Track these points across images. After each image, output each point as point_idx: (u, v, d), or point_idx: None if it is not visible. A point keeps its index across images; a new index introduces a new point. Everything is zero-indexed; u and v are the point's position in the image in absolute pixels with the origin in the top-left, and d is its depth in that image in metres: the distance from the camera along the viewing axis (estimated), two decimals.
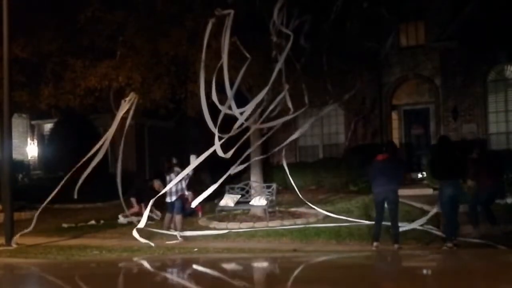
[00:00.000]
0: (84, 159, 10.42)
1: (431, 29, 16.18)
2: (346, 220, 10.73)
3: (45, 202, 10.35)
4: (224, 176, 9.32)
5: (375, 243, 8.39)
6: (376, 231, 8.51)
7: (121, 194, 11.22)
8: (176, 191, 10.42)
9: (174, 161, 10.68)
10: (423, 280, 1.81)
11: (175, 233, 10.22)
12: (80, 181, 10.18)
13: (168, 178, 10.46)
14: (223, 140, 8.97)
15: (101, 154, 10.39)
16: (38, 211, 10.64)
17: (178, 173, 10.16)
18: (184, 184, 10.61)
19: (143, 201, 12.06)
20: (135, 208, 12.89)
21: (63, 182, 10.14)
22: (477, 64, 15.05)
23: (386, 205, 8.54)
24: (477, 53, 14.74)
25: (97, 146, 10.52)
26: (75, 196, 10.36)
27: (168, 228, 10.56)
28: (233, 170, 9.54)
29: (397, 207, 8.58)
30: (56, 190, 10.16)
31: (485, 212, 9.29)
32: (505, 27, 13.57)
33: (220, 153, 8.93)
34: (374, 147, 12.46)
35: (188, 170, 9.66)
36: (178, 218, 10.43)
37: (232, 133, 9.11)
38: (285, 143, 10.54)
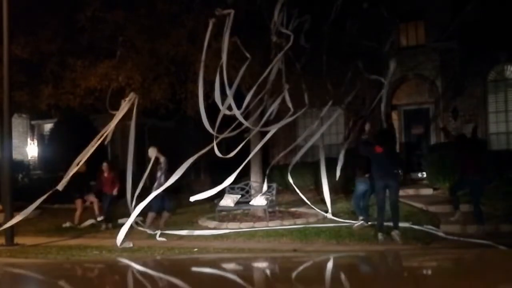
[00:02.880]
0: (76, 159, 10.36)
1: (431, 29, 16.17)
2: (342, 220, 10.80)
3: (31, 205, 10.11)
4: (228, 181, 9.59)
5: (380, 234, 8.48)
6: (381, 220, 8.60)
7: (129, 194, 11.05)
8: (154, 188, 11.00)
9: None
10: (423, 280, 1.81)
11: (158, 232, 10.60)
12: (68, 177, 10.13)
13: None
14: (218, 140, 9.02)
15: (86, 154, 10.29)
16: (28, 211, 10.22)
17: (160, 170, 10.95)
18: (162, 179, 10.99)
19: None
20: (79, 210, 12.64)
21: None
22: (477, 64, 15.05)
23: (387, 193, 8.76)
24: (477, 53, 14.74)
25: (94, 145, 10.47)
26: (60, 189, 10.21)
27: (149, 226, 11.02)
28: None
29: (397, 192, 8.86)
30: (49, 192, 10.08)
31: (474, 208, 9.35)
32: (505, 27, 13.58)
33: (218, 153, 8.98)
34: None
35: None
36: (150, 216, 10.97)
37: (227, 134, 9.14)
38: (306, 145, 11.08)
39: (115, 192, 12.26)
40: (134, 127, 11.07)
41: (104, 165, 12.54)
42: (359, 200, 10.17)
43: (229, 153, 9.39)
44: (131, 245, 9.53)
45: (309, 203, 11.67)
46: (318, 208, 11.93)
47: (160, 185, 10.51)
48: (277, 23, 9.72)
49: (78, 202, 12.56)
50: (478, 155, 9.67)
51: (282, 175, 14.23)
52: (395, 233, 8.55)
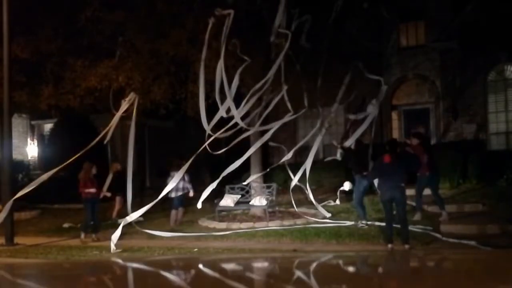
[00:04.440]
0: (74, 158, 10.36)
1: (431, 29, 16.17)
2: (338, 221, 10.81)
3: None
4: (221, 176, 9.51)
5: (389, 245, 8.26)
6: (389, 232, 8.36)
7: (130, 195, 10.96)
8: (183, 188, 11.41)
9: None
10: (423, 280, 1.81)
11: (177, 234, 10.37)
12: (52, 172, 10.16)
13: (173, 174, 10.97)
14: (211, 139, 9.07)
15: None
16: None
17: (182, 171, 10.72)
18: (188, 181, 11.53)
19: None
20: (119, 206, 12.88)
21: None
22: (477, 64, 15.05)
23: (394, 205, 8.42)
24: (477, 53, 14.74)
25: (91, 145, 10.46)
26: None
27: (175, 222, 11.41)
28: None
29: (405, 207, 8.43)
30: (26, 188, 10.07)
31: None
32: (505, 27, 13.58)
33: (208, 148, 9.03)
34: (374, 147, 12.45)
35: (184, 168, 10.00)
36: (181, 211, 11.58)
37: (222, 132, 9.15)
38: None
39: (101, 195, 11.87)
40: (134, 127, 11.04)
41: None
42: (362, 197, 10.36)
43: (229, 152, 9.41)
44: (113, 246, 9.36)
45: (300, 212, 11.66)
46: (319, 209, 11.92)
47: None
48: (278, 25, 9.72)
49: (118, 199, 12.74)
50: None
51: (283, 175, 14.21)
52: (407, 248, 8.22)
